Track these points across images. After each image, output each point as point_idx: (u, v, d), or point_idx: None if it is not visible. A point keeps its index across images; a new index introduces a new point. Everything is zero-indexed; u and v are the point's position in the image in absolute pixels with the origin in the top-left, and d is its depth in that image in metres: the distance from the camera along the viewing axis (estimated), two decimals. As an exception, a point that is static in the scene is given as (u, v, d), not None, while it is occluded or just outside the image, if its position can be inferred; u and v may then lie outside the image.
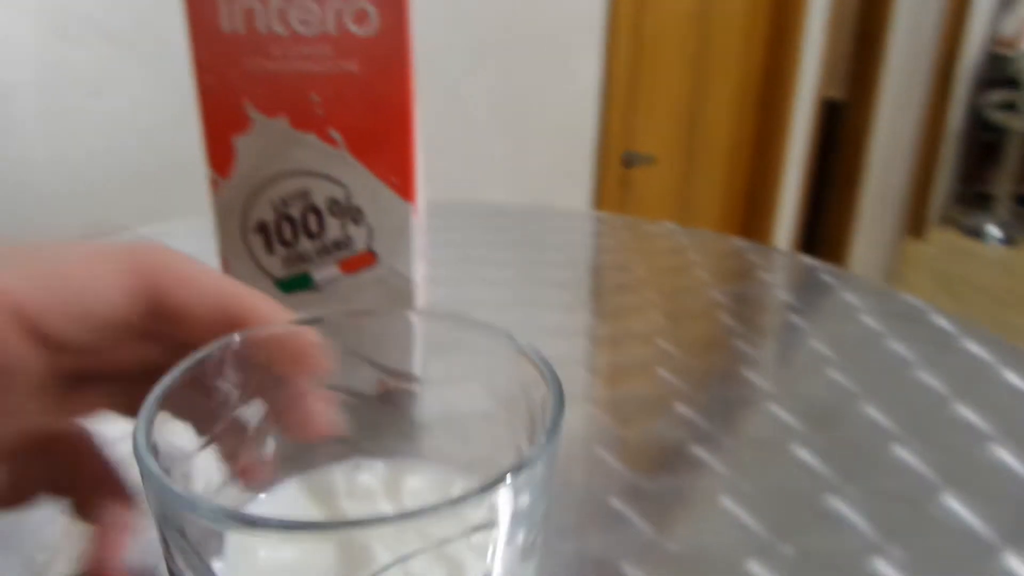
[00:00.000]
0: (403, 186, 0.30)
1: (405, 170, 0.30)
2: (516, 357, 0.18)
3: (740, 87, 1.81)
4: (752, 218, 1.95)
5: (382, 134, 0.29)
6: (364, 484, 0.19)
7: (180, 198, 0.53)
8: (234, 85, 0.28)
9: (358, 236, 0.30)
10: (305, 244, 0.30)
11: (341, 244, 0.30)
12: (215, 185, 0.29)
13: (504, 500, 0.15)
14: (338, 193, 0.30)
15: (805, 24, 1.83)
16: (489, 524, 0.15)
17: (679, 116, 1.69)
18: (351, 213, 0.30)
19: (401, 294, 0.32)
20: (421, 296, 0.33)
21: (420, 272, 0.32)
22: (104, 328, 0.18)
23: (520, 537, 0.16)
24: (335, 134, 0.29)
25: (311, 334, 0.19)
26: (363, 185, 0.30)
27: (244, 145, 0.29)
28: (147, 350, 0.19)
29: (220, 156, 0.29)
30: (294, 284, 0.31)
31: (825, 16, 1.94)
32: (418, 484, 0.19)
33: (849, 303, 0.44)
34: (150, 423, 0.15)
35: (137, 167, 0.66)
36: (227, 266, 0.31)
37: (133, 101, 0.63)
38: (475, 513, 0.14)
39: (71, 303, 0.17)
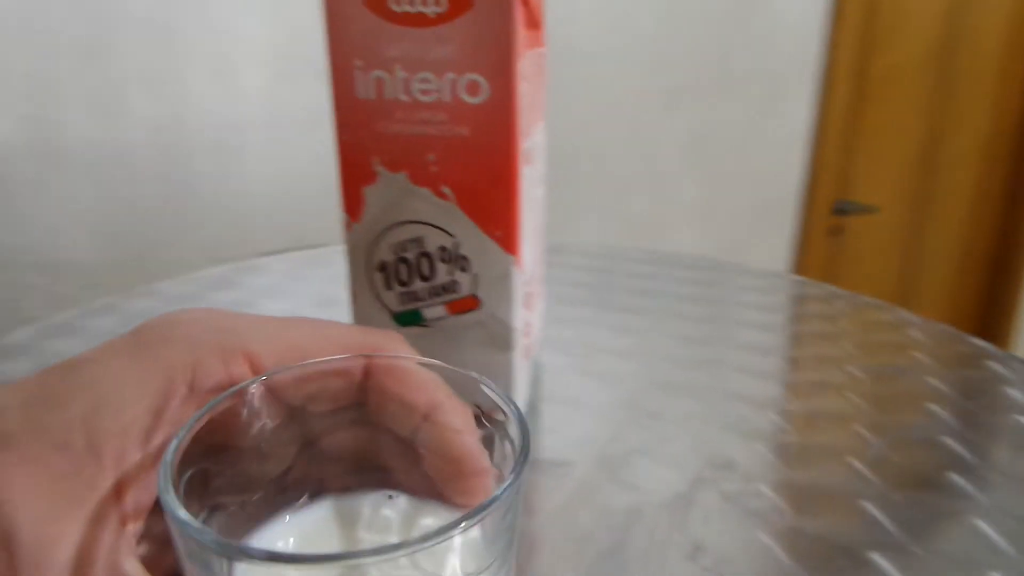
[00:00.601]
0: (506, 239, 0.32)
1: (509, 225, 0.32)
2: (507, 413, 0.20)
3: (990, 132, 1.63)
4: (993, 284, 1.73)
5: (488, 191, 0.32)
6: (384, 517, 0.22)
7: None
8: (365, 144, 0.32)
9: (464, 282, 0.33)
10: (418, 285, 0.34)
11: (448, 288, 0.33)
12: (348, 227, 0.34)
13: (458, 542, 0.16)
14: (447, 242, 0.33)
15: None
16: (452, 559, 0.17)
17: (910, 163, 1.55)
18: (458, 261, 0.33)
19: (501, 337, 0.34)
20: (521, 339, 0.35)
21: (520, 317, 0.34)
22: (330, 403, 0.21)
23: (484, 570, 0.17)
24: (447, 190, 0.32)
25: (485, 464, 0.21)
26: (470, 236, 0.32)
27: (371, 195, 0.33)
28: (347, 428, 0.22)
29: (352, 203, 0.33)
30: (407, 319, 0.34)
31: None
32: (429, 522, 0.21)
33: (1013, 399, 0.40)
34: (184, 443, 0.18)
35: (337, 192, 0.75)
36: (355, 297, 0.35)
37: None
38: (437, 547, 0.16)
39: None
